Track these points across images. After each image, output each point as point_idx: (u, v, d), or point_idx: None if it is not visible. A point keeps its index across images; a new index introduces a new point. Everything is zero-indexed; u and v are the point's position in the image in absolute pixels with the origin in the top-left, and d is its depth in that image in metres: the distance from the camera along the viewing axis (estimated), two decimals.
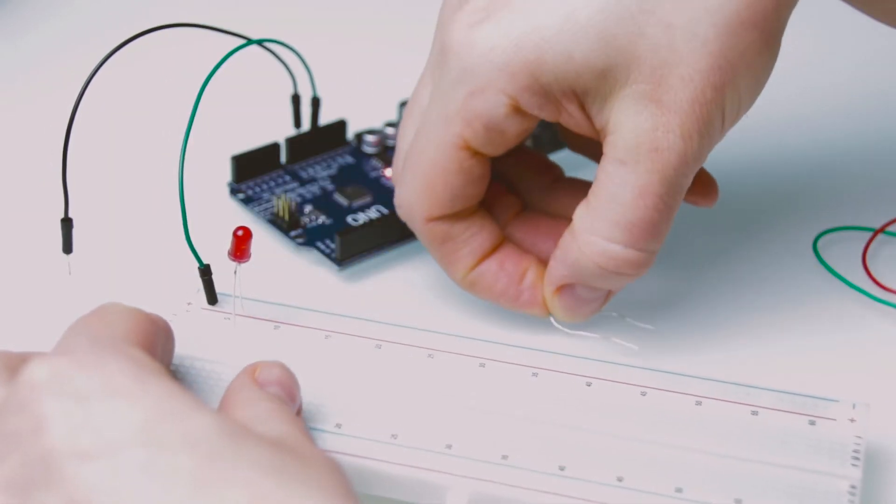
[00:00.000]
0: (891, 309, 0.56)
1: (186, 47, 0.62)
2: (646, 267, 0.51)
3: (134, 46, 0.51)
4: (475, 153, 0.51)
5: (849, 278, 0.57)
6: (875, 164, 0.65)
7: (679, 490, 0.45)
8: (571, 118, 0.50)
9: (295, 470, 0.39)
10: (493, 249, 0.53)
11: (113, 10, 0.74)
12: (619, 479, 0.45)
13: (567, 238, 0.51)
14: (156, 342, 0.45)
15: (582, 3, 0.48)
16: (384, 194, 0.61)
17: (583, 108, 0.49)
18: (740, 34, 0.48)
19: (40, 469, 0.38)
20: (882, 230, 0.59)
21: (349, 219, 0.59)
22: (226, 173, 0.61)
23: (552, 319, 0.53)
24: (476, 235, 0.53)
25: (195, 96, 0.50)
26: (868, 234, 0.59)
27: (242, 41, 0.54)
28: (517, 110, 0.49)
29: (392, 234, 0.58)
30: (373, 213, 0.59)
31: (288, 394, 0.45)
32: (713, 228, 0.60)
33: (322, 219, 0.59)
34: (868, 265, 0.58)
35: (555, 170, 0.56)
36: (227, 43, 0.53)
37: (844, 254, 0.58)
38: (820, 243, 0.59)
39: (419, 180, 0.52)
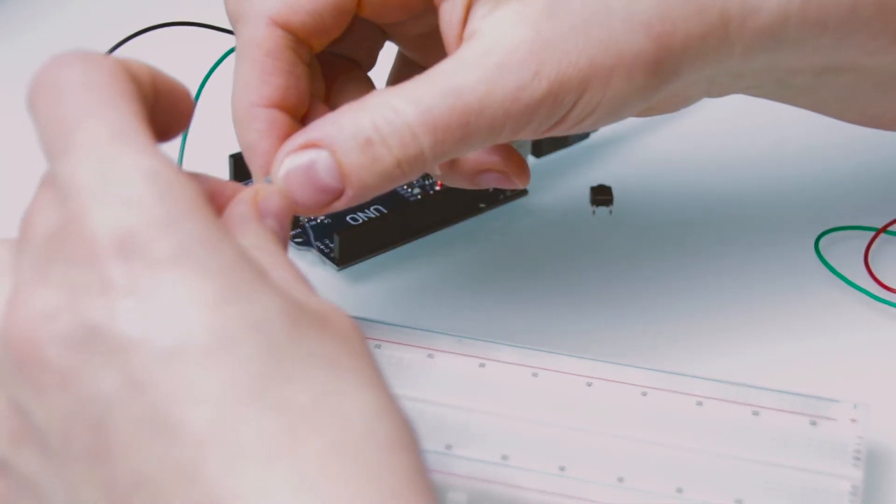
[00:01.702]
0: (893, 309, 0.56)
1: (186, 46, 0.61)
2: (401, 170, 0.45)
3: (133, 45, 0.51)
4: None
5: (851, 278, 0.57)
6: (877, 164, 0.65)
7: (680, 490, 0.45)
8: (448, 10, 0.47)
9: (346, 356, 0.37)
10: (301, 108, 0.48)
11: (112, 9, 0.73)
12: (620, 480, 0.45)
13: (356, 101, 0.46)
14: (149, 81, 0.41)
15: None
16: (384, 194, 0.60)
17: (470, 2, 0.46)
18: (643, 37, 0.46)
19: (102, 334, 0.36)
20: (884, 230, 0.59)
21: (349, 219, 0.59)
22: (225, 173, 0.61)
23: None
24: (300, 77, 0.48)
25: (194, 95, 0.50)
26: (870, 234, 0.59)
27: None
28: None
29: (392, 234, 0.58)
30: (372, 213, 0.59)
31: (282, 227, 0.44)
32: (715, 227, 0.60)
33: (321, 218, 0.59)
34: (870, 265, 0.58)
35: None
36: (227, 41, 0.53)
37: (846, 254, 0.58)
38: (822, 243, 0.59)
39: None
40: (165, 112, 0.42)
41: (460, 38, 0.47)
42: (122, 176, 0.37)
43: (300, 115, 0.49)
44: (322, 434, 0.35)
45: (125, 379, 0.36)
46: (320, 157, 0.45)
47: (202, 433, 0.35)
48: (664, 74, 0.47)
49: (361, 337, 0.38)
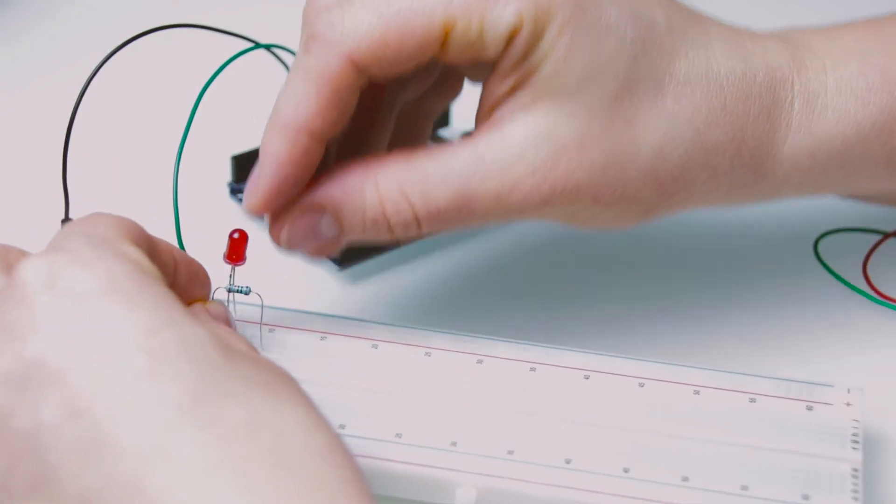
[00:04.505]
0: (890, 311, 0.56)
1: (187, 48, 0.62)
2: (394, 237, 0.48)
3: (135, 47, 0.51)
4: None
5: (849, 280, 0.57)
6: None
7: (685, 479, 0.45)
8: (490, 88, 0.47)
9: (278, 383, 0.39)
10: (336, 142, 0.49)
11: (113, 10, 0.74)
12: (626, 470, 0.45)
13: (365, 168, 0.47)
14: (152, 246, 0.44)
15: None
16: None
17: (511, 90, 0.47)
18: (652, 191, 0.48)
19: (37, 367, 0.37)
20: (890, 236, 0.59)
21: None
22: (226, 173, 0.61)
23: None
24: (349, 117, 0.47)
25: (196, 97, 0.50)
26: (869, 235, 0.59)
27: (246, 43, 0.53)
28: None
29: None
30: None
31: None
32: (713, 226, 0.60)
33: None
34: (868, 270, 0.57)
35: None
36: (228, 43, 0.53)
37: (845, 255, 0.58)
38: (821, 245, 0.59)
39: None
40: (187, 280, 0.46)
41: (488, 115, 0.47)
42: (63, 235, 0.41)
43: (333, 147, 0.49)
44: (261, 444, 0.37)
45: (63, 405, 0.37)
46: (324, 220, 0.47)
47: (144, 447, 0.36)
48: (654, 216, 0.50)
49: (291, 376, 0.40)
